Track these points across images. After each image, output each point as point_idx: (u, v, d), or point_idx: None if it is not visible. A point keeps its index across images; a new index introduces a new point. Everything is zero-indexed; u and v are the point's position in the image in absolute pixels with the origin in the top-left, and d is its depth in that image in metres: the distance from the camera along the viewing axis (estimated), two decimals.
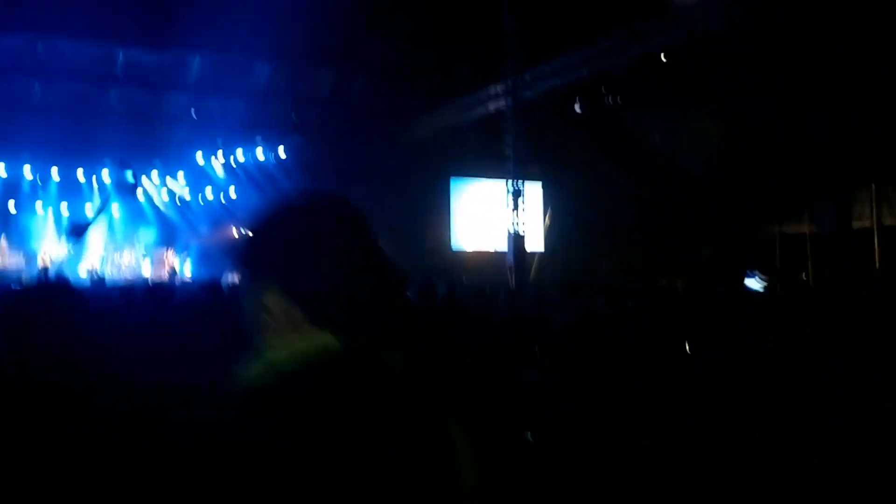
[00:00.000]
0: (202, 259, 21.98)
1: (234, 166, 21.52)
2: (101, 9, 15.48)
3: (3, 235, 20.88)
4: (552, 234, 22.50)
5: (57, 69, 17.68)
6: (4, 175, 20.41)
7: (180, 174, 22.30)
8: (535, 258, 21.80)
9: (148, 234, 22.60)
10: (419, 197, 19.89)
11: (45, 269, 18.88)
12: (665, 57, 14.52)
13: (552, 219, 22.61)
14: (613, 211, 19.60)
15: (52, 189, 21.19)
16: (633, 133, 17.92)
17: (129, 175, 17.19)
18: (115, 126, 19.09)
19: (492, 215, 19.98)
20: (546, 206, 22.68)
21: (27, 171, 20.59)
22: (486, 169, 19.82)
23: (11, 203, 20.88)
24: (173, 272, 21.19)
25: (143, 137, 19.92)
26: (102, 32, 16.54)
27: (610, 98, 16.64)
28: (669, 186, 18.21)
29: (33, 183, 20.95)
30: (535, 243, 21.93)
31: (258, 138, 20.43)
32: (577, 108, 16.82)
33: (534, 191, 22.25)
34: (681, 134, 17.17)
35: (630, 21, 14.66)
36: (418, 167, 19.61)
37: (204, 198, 22.87)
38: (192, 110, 19.06)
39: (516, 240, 17.38)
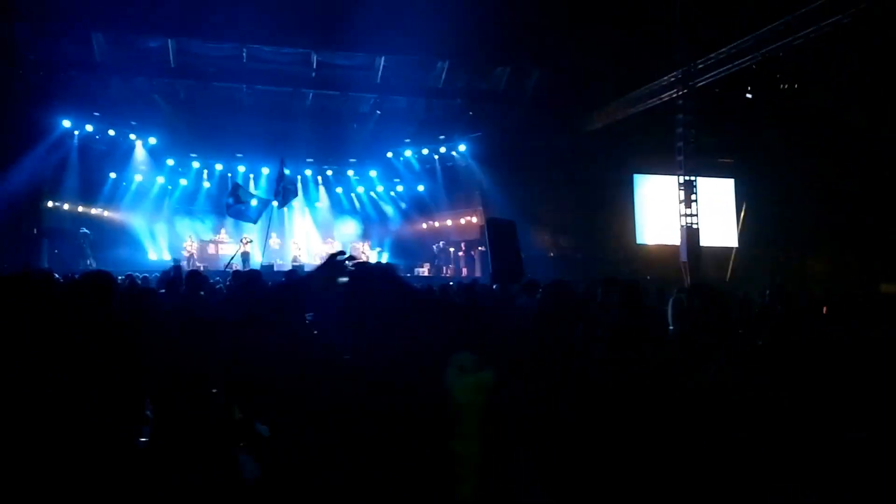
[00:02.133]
0: (395, 251, 23.01)
1: (421, 163, 22.37)
2: (294, 16, 16.76)
3: (223, 228, 23.14)
4: (749, 231, 21.12)
5: (260, 73, 19.26)
6: (220, 167, 22.79)
7: (372, 172, 23.55)
8: (732, 256, 20.60)
9: (346, 227, 24.03)
10: (602, 190, 19.59)
11: (246, 255, 20.40)
12: (847, 32, 13.18)
13: (748, 216, 21.22)
14: (822, 207, 17.97)
15: (262, 185, 23.15)
16: (832, 121, 16.38)
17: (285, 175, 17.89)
18: (312, 126, 20.57)
19: (673, 209, 19.15)
20: (740, 201, 21.38)
21: (240, 169, 22.84)
22: (667, 162, 19.06)
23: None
24: None
25: (337, 136, 21.29)
26: (298, 39, 17.83)
27: (787, 84, 15.36)
28: (886, 179, 16.35)
29: (245, 179, 23.08)
30: (726, 239, 20.83)
31: (441, 136, 21.07)
32: (751, 95, 15.73)
33: (723, 186, 21.20)
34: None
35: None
36: (600, 161, 19.25)
37: (395, 192, 24.00)
38: (378, 111, 20.15)
39: (689, 234, 16.60)
